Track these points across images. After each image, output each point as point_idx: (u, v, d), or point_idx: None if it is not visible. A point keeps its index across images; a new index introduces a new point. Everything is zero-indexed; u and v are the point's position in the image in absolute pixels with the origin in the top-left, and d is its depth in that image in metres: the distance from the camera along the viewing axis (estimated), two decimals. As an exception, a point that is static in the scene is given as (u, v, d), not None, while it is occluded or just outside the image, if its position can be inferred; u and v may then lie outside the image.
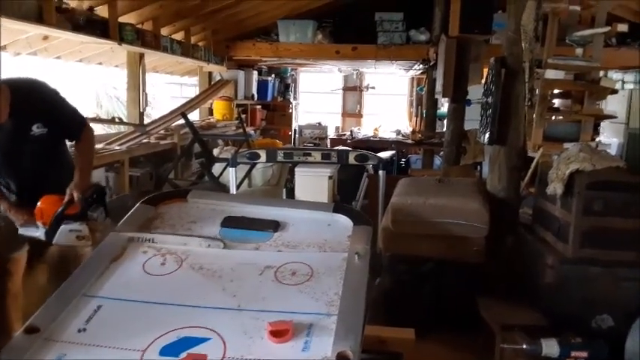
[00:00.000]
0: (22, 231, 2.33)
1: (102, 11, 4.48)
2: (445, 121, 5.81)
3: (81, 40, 4.40)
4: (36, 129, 2.25)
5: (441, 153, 5.96)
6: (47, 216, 2.21)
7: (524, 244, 2.77)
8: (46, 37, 4.43)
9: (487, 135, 2.85)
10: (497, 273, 2.71)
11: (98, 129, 5.93)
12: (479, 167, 5.54)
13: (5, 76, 2.23)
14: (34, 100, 2.25)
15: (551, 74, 3.82)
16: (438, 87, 4.95)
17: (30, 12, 3.45)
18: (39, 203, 2.23)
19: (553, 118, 4.24)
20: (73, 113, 2.43)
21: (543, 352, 1.87)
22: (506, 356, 2.05)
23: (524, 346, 1.91)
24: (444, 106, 6.95)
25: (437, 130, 7.11)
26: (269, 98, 8.95)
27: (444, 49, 4.68)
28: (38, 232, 2.25)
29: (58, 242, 2.24)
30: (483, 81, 3.24)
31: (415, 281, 2.70)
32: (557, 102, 4.50)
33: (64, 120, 2.37)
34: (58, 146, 2.41)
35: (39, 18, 3.55)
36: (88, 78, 8.24)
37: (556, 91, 4.28)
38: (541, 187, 2.71)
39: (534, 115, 3.43)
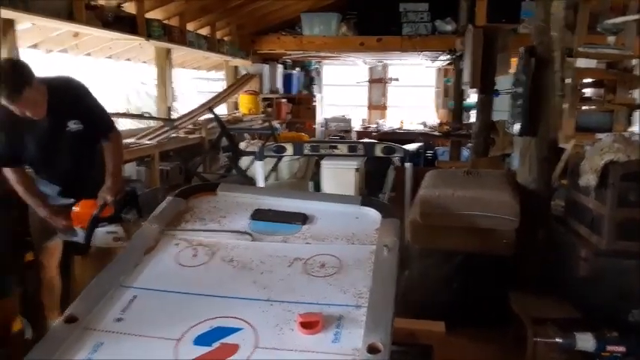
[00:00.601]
0: (62, 236, 2.45)
1: (130, 7, 4.55)
2: (472, 113, 5.73)
3: (110, 36, 4.48)
4: (72, 125, 2.34)
5: (469, 145, 5.88)
6: (84, 220, 2.31)
7: (556, 236, 2.72)
8: (76, 34, 4.53)
9: (517, 126, 2.80)
10: (528, 266, 2.67)
11: (128, 124, 6.04)
12: (507, 159, 5.44)
13: (38, 73, 2.30)
14: (70, 97, 2.34)
15: (582, 63, 3.72)
16: (466, 78, 4.88)
17: (61, 10, 3.53)
18: (76, 208, 2.34)
19: (585, 108, 4.14)
20: (104, 112, 2.54)
21: (578, 346, 1.84)
22: (539, 350, 2.02)
23: (558, 340, 1.88)
24: (471, 97, 6.85)
25: (464, 122, 7.01)
26: (294, 91, 8.97)
27: (470, 39, 4.61)
28: (77, 237, 2.36)
29: (96, 244, 2.35)
30: (512, 71, 3.18)
31: (444, 274, 2.68)
32: (588, 91, 4.38)
33: (96, 117, 2.46)
34: (93, 143, 2.48)
35: (69, 15, 3.63)
36: (118, 74, 8.38)
37: (588, 81, 4.17)
38: (573, 179, 2.65)
39: (565, 105, 3.35)
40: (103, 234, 2.33)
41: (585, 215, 2.51)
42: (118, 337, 1.29)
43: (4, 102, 2.12)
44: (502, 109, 4.30)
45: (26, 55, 3.31)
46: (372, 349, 1.20)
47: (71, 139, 2.36)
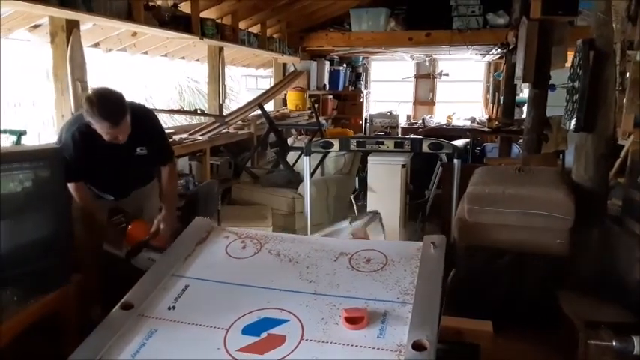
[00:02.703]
0: (107, 247, 2.56)
1: (185, 7, 4.69)
2: (524, 108, 5.54)
3: (166, 35, 4.63)
4: (140, 150, 2.51)
5: (520, 141, 5.69)
6: (133, 239, 2.43)
7: (612, 237, 2.61)
8: (134, 34, 4.71)
9: (573, 121, 2.69)
10: (581, 267, 2.57)
11: (182, 120, 6.23)
12: (561, 156, 5.24)
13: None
14: (144, 125, 2.50)
15: (645, 56, 3.52)
16: (518, 72, 4.72)
17: (121, 10, 3.68)
18: (130, 226, 2.47)
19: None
20: (168, 143, 2.76)
21: (635, 350, 1.76)
22: (592, 353, 1.94)
23: (614, 343, 1.81)
24: (523, 92, 6.62)
25: (515, 118, 6.79)
26: (340, 88, 8.96)
27: (524, 32, 4.45)
28: (121, 252, 2.47)
29: (136, 264, 2.41)
30: (568, 64, 3.05)
31: (492, 273, 2.63)
32: (651, 86, 4.14)
33: (161, 146, 2.64)
34: (151, 165, 2.65)
35: (129, 16, 3.78)
36: (172, 72, 8.65)
37: (650, 74, 3.95)
38: (632, 177, 2.53)
39: (625, 101, 3.20)
40: (145, 258, 2.38)
41: (644, 216, 2.39)
42: (171, 324, 1.36)
43: (106, 126, 2.25)
44: (557, 104, 4.13)
45: (88, 54, 3.47)
46: (417, 346, 1.20)
47: (136, 162, 2.53)
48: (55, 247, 2.02)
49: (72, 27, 3.24)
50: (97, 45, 4.61)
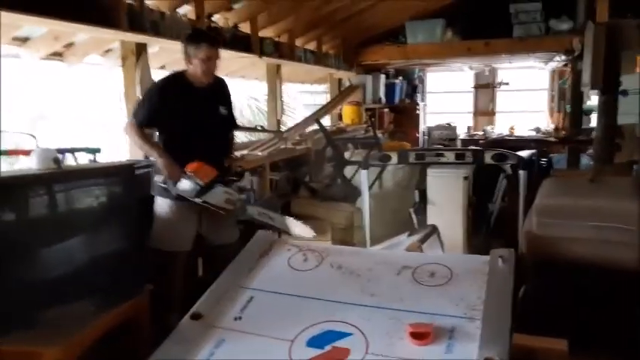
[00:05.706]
0: (173, 189, 2.58)
1: (244, 27, 4.84)
2: (592, 116, 5.29)
3: (227, 55, 4.79)
4: (222, 109, 2.86)
5: (589, 151, 5.43)
6: (206, 176, 2.53)
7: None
8: (197, 55, 4.90)
9: (648, 129, 2.54)
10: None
11: (242, 137, 6.40)
12: (635, 166, 4.94)
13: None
14: (225, 88, 2.95)
15: None
16: (585, 79, 4.53)
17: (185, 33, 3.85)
18: (197, 163, 2.54)
19: None
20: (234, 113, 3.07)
21: None
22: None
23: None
24: (590, 100, 6.33)
25: (583, 127, 6.49)
26: (396, 101, 8.90)
27: (591, 36, 4.28)
28: (189, 186, 2.51)
29: (208, 200, 2.54)
30: (639, 70, 2.89)
31: (564, 290, 2.50)
32: None
33: (233, 112, 3.02)
34: (229, 129, 3.00)
35: (192, 38, 3.94)
36: (232, 90, 8.95)
37: None
38: None
39: None
40: (220, 193, 2.54)
41: None
42: (238, 335, 1.39)
43: (204, 46, 2.60)
44: (630, 111, 3.92)
45: (155, 76, 3.65)
46: (488, 364, 1.16)
47: (217, 121, 2.81)
48: (129, 258, 2.12)
49: (140, 50, 3.43)
50: (163, 67, 4.83)
